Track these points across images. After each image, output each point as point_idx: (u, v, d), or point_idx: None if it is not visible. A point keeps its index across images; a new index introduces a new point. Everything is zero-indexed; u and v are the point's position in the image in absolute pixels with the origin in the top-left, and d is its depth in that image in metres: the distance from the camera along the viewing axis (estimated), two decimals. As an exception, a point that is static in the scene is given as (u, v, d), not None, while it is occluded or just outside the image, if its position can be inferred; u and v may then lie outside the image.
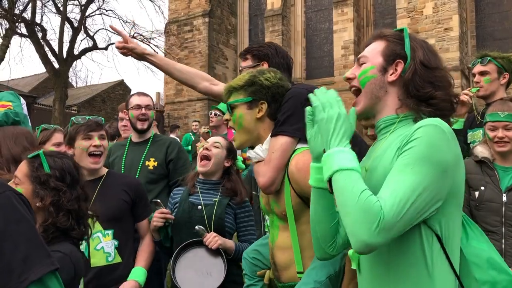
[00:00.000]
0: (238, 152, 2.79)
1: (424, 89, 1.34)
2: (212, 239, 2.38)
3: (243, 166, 2.75)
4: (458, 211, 1.29)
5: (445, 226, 1.24)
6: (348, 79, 1.47)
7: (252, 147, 1.94)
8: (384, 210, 1.12)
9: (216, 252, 2.37)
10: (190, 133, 9.97)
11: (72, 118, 2.50)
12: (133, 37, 19.52)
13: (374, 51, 1.43)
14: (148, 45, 19.88)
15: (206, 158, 2.55)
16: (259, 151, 1.86)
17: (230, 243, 2.44)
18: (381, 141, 1.39)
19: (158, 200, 2.52)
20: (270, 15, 21.53)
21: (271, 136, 1.84)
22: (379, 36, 1.46)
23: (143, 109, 3.18)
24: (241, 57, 2.29)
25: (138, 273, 2.44)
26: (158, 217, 2.47)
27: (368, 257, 1.33)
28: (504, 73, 3.05)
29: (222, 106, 4.79)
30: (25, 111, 4.21)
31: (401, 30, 1.45)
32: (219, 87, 2.36)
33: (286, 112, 1.82)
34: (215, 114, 4.86)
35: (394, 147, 1.29)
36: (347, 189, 1.18)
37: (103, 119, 2.55)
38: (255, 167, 1.89)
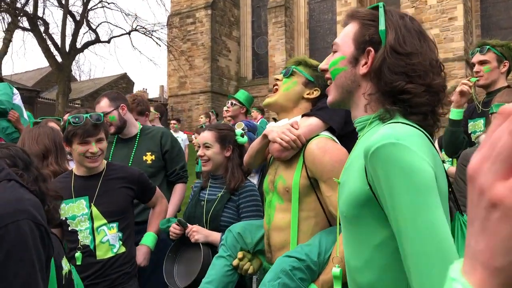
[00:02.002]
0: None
1: (393, 82, 1.10)
2: (191, 233, 2.38)
3: (245, 140, 2.62)
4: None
5: None
6: (323, 71, 1.30)
7: (275, 120, 1.97)
8: None
9: (199, 246, 2.36)
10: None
11: (69, 117, 2.34)
12: (135, 29, 19.49)
13: (346, 37, 1.21)
14: (151, 38, 19.83)
15: (205, 161, 2.55)
16: (283, 123, 1.91)
17: (214, 236, 2.38)
18: (355, 147, 1.20)
19: (181, 219, 2.51)
20: (273, 6, 21.40)
21: (304, 115, 1.90)
22: (352, 16, 1.22)
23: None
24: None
25: (149, 238, 2.62)
26: (173, 232, 2.52)
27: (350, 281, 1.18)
28: (504, 61, 3.00)
29: (239, 95, 4.73)
30: (18, 101, 4.22)
31: (376, 8, 1.18)
32: None
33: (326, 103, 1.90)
34: (232, 104, 4.72)
35: (358, 162, 1.09)
36: None
37: (101, 114, 2.41)
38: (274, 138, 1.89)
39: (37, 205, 1.21)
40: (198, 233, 2.38)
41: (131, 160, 3.12)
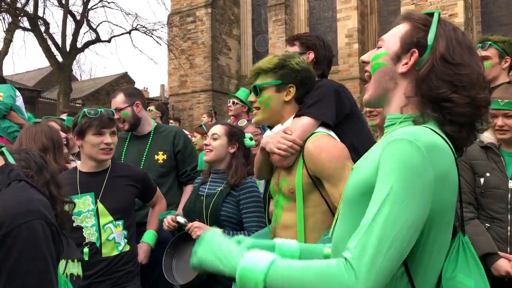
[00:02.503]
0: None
1: (438, 89, 1.11)
2: (192, 229, 2.38)
3: (253, 143, 2.65)
4: (441, 235, 1.09)
5: (417, 251, 1.05)
6: (364, 62, 1.31)
7: (270, 127, 2.00)
8: (356, 273, 0.95)
9: None
10: None
11: (85, 109, 2.43)
12: (136, 29, 19.48)
13: (394, 35, 1.23)
14: (151, 37, 19.82)
15: (208, 150, 2.58)
16: (278, 130, 1.91)
17: None
18: (381, 139, 1.21)
19: (181, 217, 2.50)
20: (273, 5, 21.38)
21: (295, 116, 1.90)
22: (406, 18, 1.24)
23: (115, 113, 3.09)
24: (288, 42, 2.33)
25: (149, 236, 2.68)
26: (167, 223, 2.56)
27: None
28: (505, 57, 3.00)
29: (240, 94, 4.73)
30: (20, 103, 4.30)
31: (432, 14, 1.20)
32: None
33: (315, 97, 1.91)
34: (233, 103, 4.73)
35: (375, 153, 1.13)
36: (296, 279, 0.99)
37: (113, 111, 2.53)
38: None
39: (47, 205, 1.23)
40: (200, 229, 2.38)
41: (143, 159, 3.11)
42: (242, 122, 3.40)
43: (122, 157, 3.15)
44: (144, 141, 3.17)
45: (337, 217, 1.29)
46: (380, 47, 1.26)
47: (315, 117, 1.85)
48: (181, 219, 2.45)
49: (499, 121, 2.42)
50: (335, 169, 1.74)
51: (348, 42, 19.30)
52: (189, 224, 2.41)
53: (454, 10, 16.53)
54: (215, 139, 2.57)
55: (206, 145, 2.58)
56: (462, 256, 1.15)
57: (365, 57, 1.30)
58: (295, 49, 2.25)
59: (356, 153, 1.84)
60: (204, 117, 9.00)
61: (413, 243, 1.00)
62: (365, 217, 1.02)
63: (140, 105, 3.15)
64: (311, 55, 2.22)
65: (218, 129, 2.62)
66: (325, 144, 1.79)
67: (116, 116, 3.07)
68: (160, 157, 3.11)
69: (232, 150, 2.58)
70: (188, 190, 3.22)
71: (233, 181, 2.48)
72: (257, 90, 1.92)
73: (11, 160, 1.65)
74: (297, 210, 1.81)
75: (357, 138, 1.98)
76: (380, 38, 1.28)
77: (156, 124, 3.30)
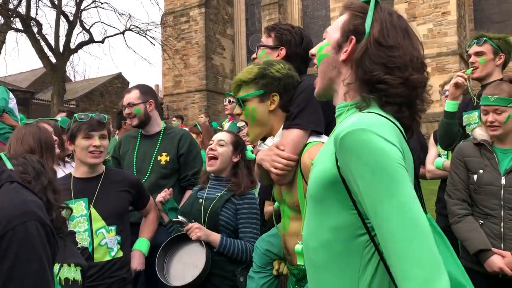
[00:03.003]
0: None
1: (372, 72, 1.14)
2: (193, 230, 2.37)
3: (253, 156, 2.68)
4: None
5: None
6: (312, 56, 1.35)
7: (263, 140, 1.95)
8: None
9: (200, 244, 2.36)
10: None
11: (75, 115, 2.49)
12: (129, 29, 19.43)
13: (335, 26, 1.27)
14: (145, 37, 19.77)
15: (213, 158, 2.56)
16: (270, 143, 1.87)
17: (214, 236, 2.39)
18: (332, 132, 1.23)
19: (182, 219, 2.47)
20: (266, 4, 21.39)
21: (283, 128, 1.84)
22: (346, 7, 1.28)
23: (127, 108, 3.16)
24: (265, 32, 2.26)
25: (142, 244, 2.64)
26: (161, 196, 2.64)
27: (307, 260, 1.24)
28: (500, 53, 3.02)
29: None
30: (13, 105, 4.30)
31: (368, 2, 1.24)
32: None
33: (299, 105, 1.83)
34: (229, 101, 4.79)
35: (331, 146, 1.14)
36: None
37: (106, 116, 2.54)
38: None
39: (41, 205, 1.23)
40: (201, 230, 2.37)
41: (152, 159, 3.11)
42: (241, 123, 3.41)
43: (135, 155, 3.16)
44: (153, 141, 3.17)
45: (305, 214, 1.30)
46: (324, 39, 1.29)
47: (303, 128, 1.80)
48: (182, 218, 2.44)
49: (490, 117, 2.44)
50: None
51: (342, 41, 19.34)
52: (190, 224, 2.39)
53: (446, 8, 16.60)
54: (221, 145, 2.56)
55: (212, 149, 2.55)
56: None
57: (312, 50, 1.34)
58: (268, 42, 2.20)
59: None
60: (201, 117, 9.05)
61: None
62: (381, 238, 1.01)
63: (153, 104, 3.18)
64: (283, 52, 2.15)
65: (225, 136, 2.61)
66: None
67: (127, 111, 3.15)
68: (163, 158, 3.10)
69: (235, 160, 2.59)
70: (187, 195, 3.18)
71: (239, 191, 2.49)
72: (241, 103, 1.88)
73: (8, 165, 1.65)
74: (303, 222, 1.80)
75: None
76: (325, 30, 1.32)
77: (165, 125, 3.30)
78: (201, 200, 2.53)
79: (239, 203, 2.48)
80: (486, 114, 2.48)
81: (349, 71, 1.20)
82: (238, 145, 2.61)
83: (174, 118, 9.54)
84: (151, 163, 3.08)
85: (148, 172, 3.07)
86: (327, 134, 1.84)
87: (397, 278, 0.98)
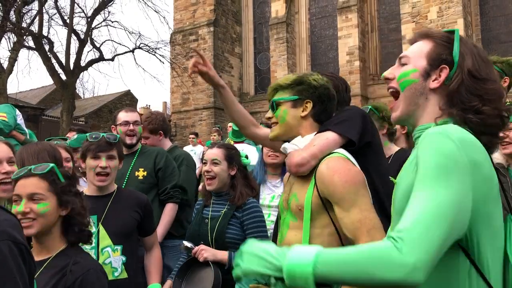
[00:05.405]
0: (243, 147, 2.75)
1: (471, 103, 1.19)
2: (199, 252, 2.39)
3: (249, 161, 2.70)
4: (487, 226, 1.12)
5: (478, 246, 1.10)
6: (387, 79, 1.36)
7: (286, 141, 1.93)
8: (404, 251, 0.98)
9: (209, 265, 2.36)
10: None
11: (87, 134, 2.52)
12: (139, 47, 19.69)
13: (418, 52, 1.29)
14: (154, 55, 20.02)
15: (210, 178, 2.58)
16: (298, 142, 1.86)
17: (221, 255, 2.40)
18: (413, 151, 1.27)
19: (188, 245, 2.48)
20: (274, 23, 21.62)
21: (319, 131, 1.85)
22: (426, 35, 1.31)
23: (131, 125, 3.28)
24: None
25: None
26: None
27: None
28: (504, 77, 3.03)
29: None
30: (20, 121, 4.46)
31: (452, 32, 1.29)
32: (264, 131, 2.38)
33: (342, 118, 1.87)
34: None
35: (412, 162, 1.19)
36: (346, 263, 1.02)
37: (117, 136, 2.55)
38: (289, 153, 1.87)
39: (15, 224, 1.21)
40: (206, 251, 2.39)
41: (127, 175, 3.21)
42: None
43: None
44: (129, 159, 3.26)
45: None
46: (405, 64, 1.30)
47: (340, 133, 1.81)
48: (188, 244, 2.46)
49: (500, 133, 2.45)
50: (347, 193, 1.67)
51: (349, 60, 19.45)
52: (196, 248, 2.42)
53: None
54: (216, 164, 2.57)
55: (207, 171, 2.57)
56: None
57: (388, 74, 1.35)
58: None
59: (374, 187, 1.80)
60: (214, 136, 9.13)
61: (461, 224, 1.05)
62: (409, 204, 1.07)
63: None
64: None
65: (217, 153, 2.61)
66: (339, 167, 1.71)
67: (130, 127, 3.25)
68: (140, 173, 3.22)
69: (232, 173, 2.61)
70: (167, 209, 3.28)
71: (239, 203, 2.52)
72: (274, 105, 1.91)
73: (62, 179, 1.79)
74: (303, 228, 1.76)
75: (375, 172, 1.91)
76: (402, 55, 1.34)
77: (141, 145, 3.47)
78: (207, 220, 2.55)
79: (243, 215, 2.50)
80: None
81: (442, 98, 1.24)
82: (232, 158, 2.62)
83: (192, 136, 9.83)
84: (126, 178, 3.18)
85: (123, 186, 3.10)
86: (361, 153, 1.87)
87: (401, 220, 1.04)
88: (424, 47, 1.29)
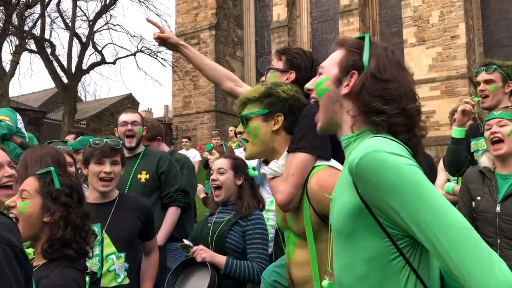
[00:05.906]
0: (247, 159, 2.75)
1: (371, 104, 1.21)
2: (198, 252, 2.39)
3: (256, 173, 2.69)
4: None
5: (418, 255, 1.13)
6: (308, 90, 1.39)
7: (265, 162, 1.89)
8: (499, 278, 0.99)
9: (206, 266, 2.37)
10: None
11: (90, 139, 2.50)
12: (141, 51, 19.73)
13: (332, 61, 1.33)
14: (156, 58, 20.05)
15: (217, 188, 2.59)
16: (275, 167, 1.81)
17: (219, 258, 2.40)
18: (344, 165, 1.25)
19: (187, 243, 2.50)
20: (276, 27, 21.65)
21: (288, 151, 1.79)
22: (340, 44, 1.35)
23: (129, 125, 3.26)
24: (276, 55, 2.25)
25: None
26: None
27: None
28: (508, 81, 3.02)
29: None
30: (20, 125, 4.50)
31: (363, 38, 1.32)
32: (243, 89, 2.34)
33: (304, 127, 1.78)
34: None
35: (347, 177, 1.17)
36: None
37: (120, 142, 2.54)
38: (271, 183, 1.83)
39: (10, 227, 1.20)
40: (205, 251, 2.39)
41: (131, 177, 3.19)
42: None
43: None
44: (132, 161, 3.26)
45: (331, 251, 1.29)
46: (321, 74, 1.35)
47: (311, 152, 1.75)
48: (187, 242, 2.48)
49: (493, 129, 2.44)
50: None
51: (351, 64, 19.46)
52: (194, 247, 2.43)
53: (456, 32, 16.69)
54: (222, 173, 2.59)
55: (214, 180, 2.58)
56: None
57: (308, 85, 1.39)
58: (279, 64, 2.19)
59: None
60: (217, 140, 9.16)
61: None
62: (435, 249, 1.03)
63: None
64: (292, 75, 2.14)
65: (223, 163, 2.62)
66: (328, 180, 1.65)
67: (128, 127, 3.24)
68: (143, 176, 3.20)
69: (239, 182, 2.61)
70: (169, 212, 3.27)
71: (245, 213, 2.52)
72: (244, 121, 1.84)
73: (57, 184, 1.71)
74: (310, 250, 1.72)
75: None
76: (319, 66, 1.38)
77: (144, 148, 3.44)
78: (210, 224, 2.57)
79: (246, 225, 2.50)
80: (489, 129, 2.48)
81: (352, 104, 1.26)
82: (238, 168, 2.63)
83: (185, 140, 9.93)
84: (129, 182, 3.16)
85: (126, 189, 3.13)
86: (334, 157, 1.81)
87: (460, 278, 1.00)
88: (337, 55, 1.33)
